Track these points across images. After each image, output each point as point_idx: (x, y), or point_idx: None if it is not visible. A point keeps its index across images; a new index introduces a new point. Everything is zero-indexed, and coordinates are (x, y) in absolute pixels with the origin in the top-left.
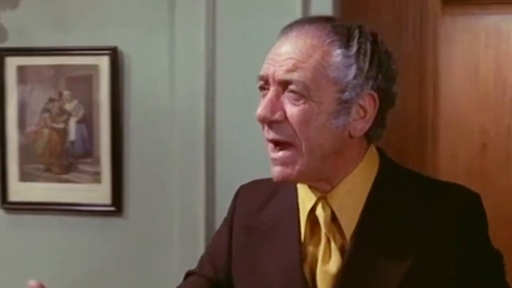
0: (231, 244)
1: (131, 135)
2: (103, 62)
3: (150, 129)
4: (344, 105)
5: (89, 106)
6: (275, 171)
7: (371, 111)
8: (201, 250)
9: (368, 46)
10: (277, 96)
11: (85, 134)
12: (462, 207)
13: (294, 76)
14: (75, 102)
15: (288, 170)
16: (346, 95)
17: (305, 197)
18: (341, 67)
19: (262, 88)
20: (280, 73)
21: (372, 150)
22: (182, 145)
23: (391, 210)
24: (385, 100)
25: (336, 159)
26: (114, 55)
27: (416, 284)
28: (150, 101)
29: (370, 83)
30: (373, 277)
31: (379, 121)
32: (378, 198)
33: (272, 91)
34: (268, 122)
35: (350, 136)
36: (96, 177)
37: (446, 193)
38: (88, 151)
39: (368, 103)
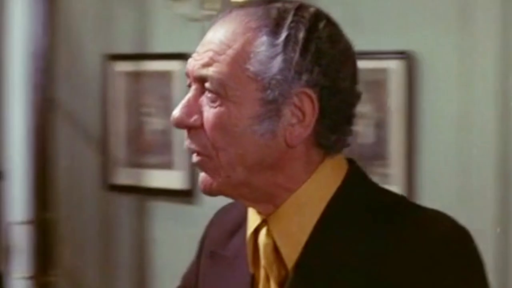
0: (198, 272)
1: (424, 139)
2: (395, 66)
3: (444, 135)
4: (269, 107)
5: (380, 110)
6: (199, 178)
7: (310, 113)
8: None
9: (301, 32)
10: (196, 97)
11: (377, 137)
12: (440, 248)
13: (209, 71)
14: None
15: (209, 180)
16: (270, 93)
17: (251, 221)
18: (264, 59)
19: (188, 86)
20: (196, 68)
21: (333, 163)
22: None
23: (343, 240)
24: (330, 98)
25: (273, 174)
26: (408, 58)
27: None
28: (443, 105)
29: (304, 78)
30: None
31: (329, 125)
32: (329, 224)
33: (191, 90)
34: (184, 127)
35: (289, 145)
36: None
37: (422, 226)
38: (379, 154)
39: (306, 104)
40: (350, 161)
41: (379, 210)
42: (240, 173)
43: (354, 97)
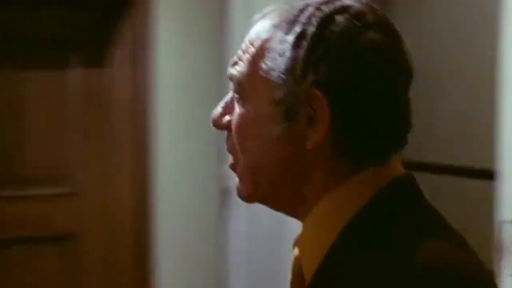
0: None
1: None
2: None
3: None
4: (281, 108)
5: None
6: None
7: (321, 116)
8: None
9: (312, 27)
10: (232, 98)
11: None
12: None
13: (234, 70)
14: None
15: (239, 187)
16: (278, 93)
17: None
18: (274, 56)
19: None
20: (228, 68)
21: (368, 176)
22: None
23: (353, 265)
24: (348, 102)
25: (296, 184)
26: None
27: None
28: None
29: (310, 77)
30: None
31: (354, 132)
32: (345, 243)
33: (230, 90)
34: (217, 127)
35: (306, 152)
36: None
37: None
38: None
39: (317, 106)
40: (404, 177)
41: (398, 235)
42: (264, 183)
43: (394, 103)
